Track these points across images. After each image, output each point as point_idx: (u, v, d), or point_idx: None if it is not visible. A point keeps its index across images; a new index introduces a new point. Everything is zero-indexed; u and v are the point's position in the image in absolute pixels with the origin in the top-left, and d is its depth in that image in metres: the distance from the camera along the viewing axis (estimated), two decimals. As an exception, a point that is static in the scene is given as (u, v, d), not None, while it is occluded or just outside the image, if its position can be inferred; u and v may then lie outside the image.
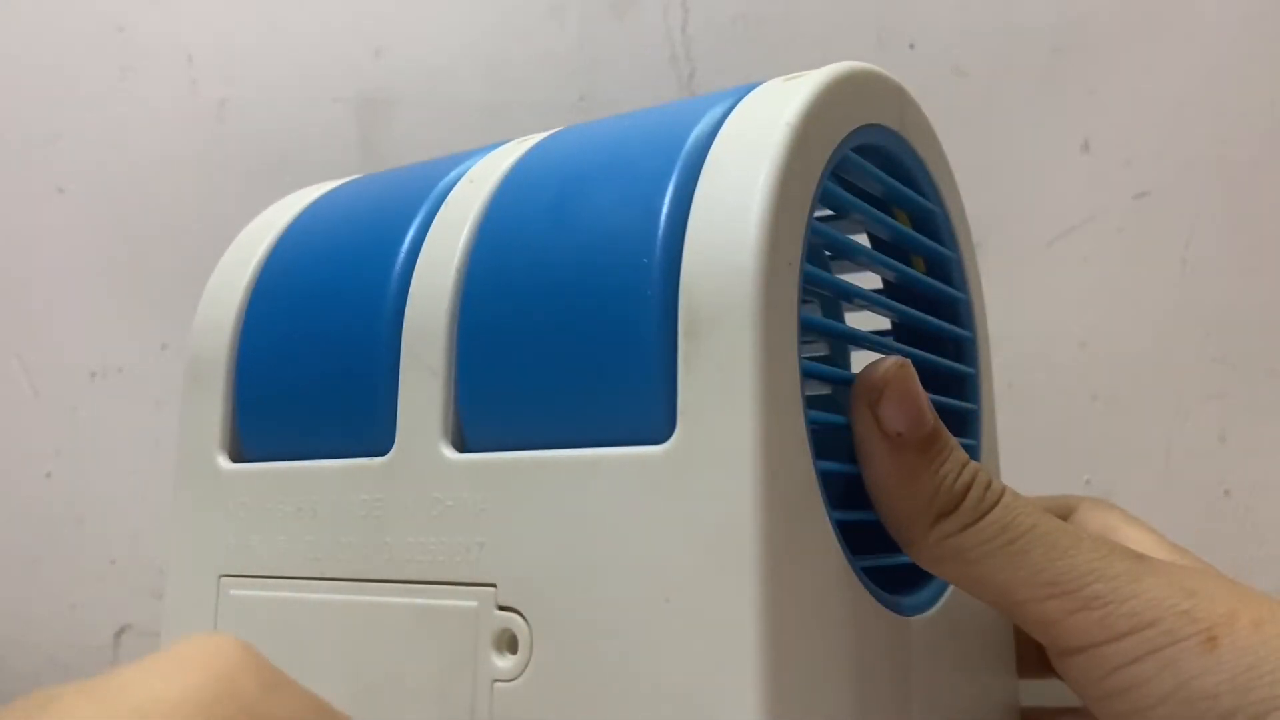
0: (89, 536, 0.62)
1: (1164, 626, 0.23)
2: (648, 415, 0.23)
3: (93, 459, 0.62)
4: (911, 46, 0.51)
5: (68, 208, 0.64)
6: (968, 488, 0.24)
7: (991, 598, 0.25)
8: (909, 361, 0.25)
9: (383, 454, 0.27)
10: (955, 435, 0.26)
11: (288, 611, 0.28)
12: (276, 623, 0.28)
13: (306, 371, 0.29)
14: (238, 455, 0.31)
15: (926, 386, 0.29)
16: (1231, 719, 0.22)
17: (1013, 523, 0.24)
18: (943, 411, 0.26)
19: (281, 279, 0.31)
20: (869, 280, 0.31)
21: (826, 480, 0.24)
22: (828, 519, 0.23)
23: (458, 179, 0.29)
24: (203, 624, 0.29)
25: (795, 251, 0.23)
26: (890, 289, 0.31)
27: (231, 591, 0.29)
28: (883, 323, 0.31)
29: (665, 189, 0.24)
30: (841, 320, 0.34)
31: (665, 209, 0.23)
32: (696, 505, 0.22)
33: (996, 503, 0.25)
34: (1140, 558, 0.24)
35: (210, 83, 0.62)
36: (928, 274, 0.31)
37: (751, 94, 0.26)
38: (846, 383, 0.26)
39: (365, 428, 0.27)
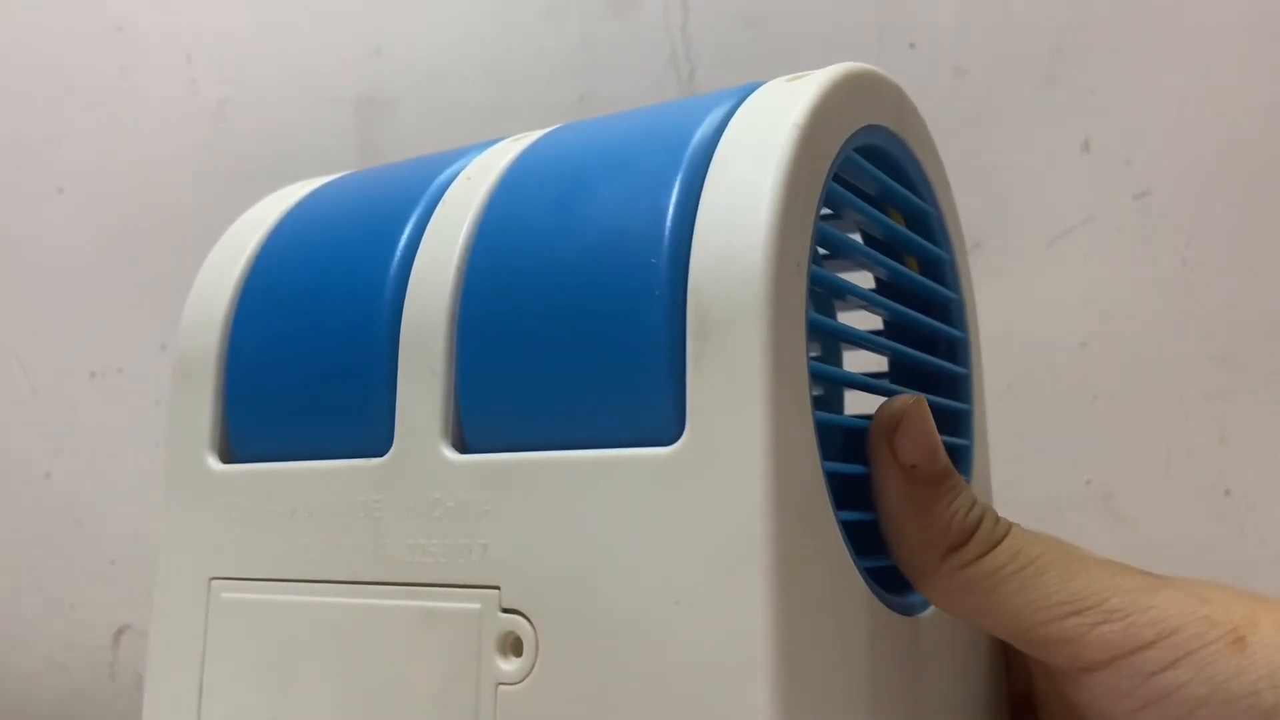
0: (88, 537, 0.62)
1: (1190, 631, 0.23)
2: (655, 416, 0.23)
3: (92, 459, 0.62)
4: (911, 46, 0.51)
5: (67, 208, 0.64)
6: (978, 523, 0.25)
7: (1006, 625, 0.25)
8: (924, 398, 0.26)
9: (380, 454, 0.27)
10: (949, 435, 0.26)
11: (282, 614, 0.27)
12: (270, 626, 0.28)
13: (300, 371, 0.28)
14: (228, 456, 0.30)
15: (920, 386, 0.29)
16: (1275, 715, 0.22)
17: (1023, 550, 0.25)
18: (936, 411, 0.26)
19: (273, 276, 0.31)
20: (857, 279, 0.31)
21: (830, 481, 0.24)
22: (835, 519, 0.23)
23: (453, 176, 0.29)
24: (193, 628, 0.29)
25: (803, 252, 0.23)
26: (882, 288, 0.31)
27: (223, 595, 0.29)
28: (873, 321, 0.31)
29: (671, 188, 0.24)
30: (834, 318, 0.34)
31: (672, 208, 0.23)
32: (707, 506, 0.22)
33: (1006, 534, 0.25)
34: (1148, 573, 0.25)
35: (210, 82, 0.62)
36: (920, 274, 0.31)
37: (755, 94, 0.25)
38: (848, 384, 0.26)
39: (361, 428, 0.27)
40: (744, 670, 0.21)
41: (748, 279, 0.22)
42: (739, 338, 0.22)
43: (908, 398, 0.25)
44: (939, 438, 0.25)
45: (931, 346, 0.31)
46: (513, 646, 0.24)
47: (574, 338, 0.24)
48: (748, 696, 0.21)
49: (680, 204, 0.23)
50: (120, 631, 0.61)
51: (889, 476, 0.25)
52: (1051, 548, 0.25)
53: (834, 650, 0.23)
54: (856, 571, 0.24)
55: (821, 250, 0.30)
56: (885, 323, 0.31)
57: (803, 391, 0.23)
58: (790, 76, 0.26)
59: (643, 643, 0.22)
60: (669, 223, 0.23)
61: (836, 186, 0.25)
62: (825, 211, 0.29)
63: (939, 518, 0.25)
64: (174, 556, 0.30)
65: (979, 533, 0.25)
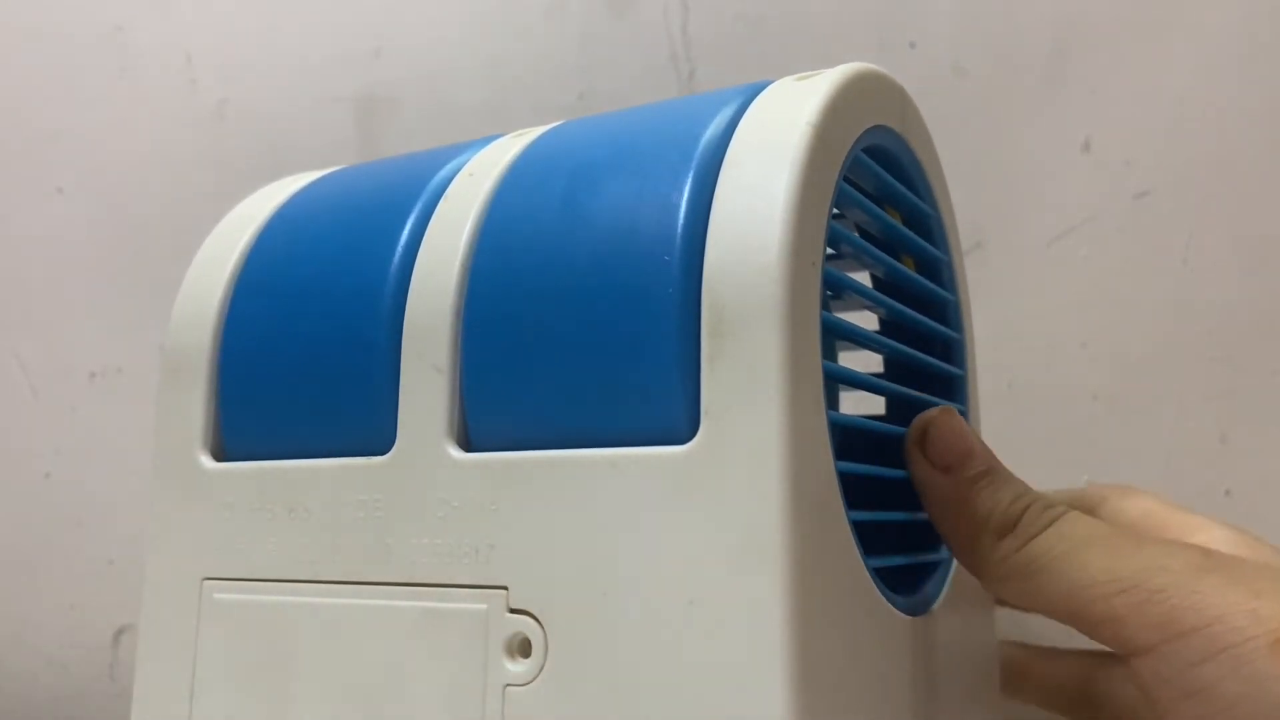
0: (88, 537, 0.62)
1: (1230, 623, 0.22)
2: (667, 415, 0.23)
3: (92, 459, 0.62)
4: (911, 46, 0.51)
5: (67, 207, 0.64)
6: (1024, 511, 0.25)
7: (1059, 607, 0.25)
8: (952, 408, 0.27)
9: (382, 453, 0.26)
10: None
11: (278, 615, 0.27)
12: (266, 626, 0.27)
13: (297, 368, 0.28)
14: (221, 454, 0.30)
15: (917, 386, 0.29)
16: None
17: (1072, 532, 0.25)
18: None
19: (267, 270, 0.30)
20: (855, 277, 0.31)
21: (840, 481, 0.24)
22: (846, 519, 0.23)
23: (454, 172, 0.29)
24: (184, 630, 0.28)
25: (817, 252, 0.23)
26: (880, 287, 0.31)
27: (216, 595, 0.28)
28: (867, 321, 0.31)
29: (683, 186, 0.23)
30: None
31: (684, 206, 0.23)
32: (721, 506, 0.22)
33: (1056, 519, 0.25)
34: (1206, 553, 0.24)
35: (210, 83, 0.62)
36: (918, 275, 0.31)
37: (765, 92, 0.25)
38: (858, 385, 0.26)
39: (362, 426, 0.27)
40: (761, 671, 0.21)
41: (765, 277, 0.22)
42: (756, 337, 0.22)
43: (936, 409, 0.27)
44: (973, 440, 0.26)
45: (928, 347, 0.31)
46: (521, 648, 0.23)
47: (584, 335, 0.24)
48: (765, 697, 0.21)
49: (693, 201, 0.23)
50: (120, 631, 0.60)
51: (930, 478, 0.26)
52: (1104, 529, 0.25)
53: (847, 651, 0.23)
54: (866, 571, 0.24)
55: (829, 250, 0.30)
56: (882, 322, 0.31)
57: (818, 391, 0.23)
58: (799, 76, 0.26)
59: (655, 643, 0.22)
60: (682, 220, 0.23)
61: (846, 186, 0.25)
62: (834, 211, 0.29)
63: (980, 511, 0.26)
64: (164, 556, 0.30)
65: (1024, 519, 0.25)
